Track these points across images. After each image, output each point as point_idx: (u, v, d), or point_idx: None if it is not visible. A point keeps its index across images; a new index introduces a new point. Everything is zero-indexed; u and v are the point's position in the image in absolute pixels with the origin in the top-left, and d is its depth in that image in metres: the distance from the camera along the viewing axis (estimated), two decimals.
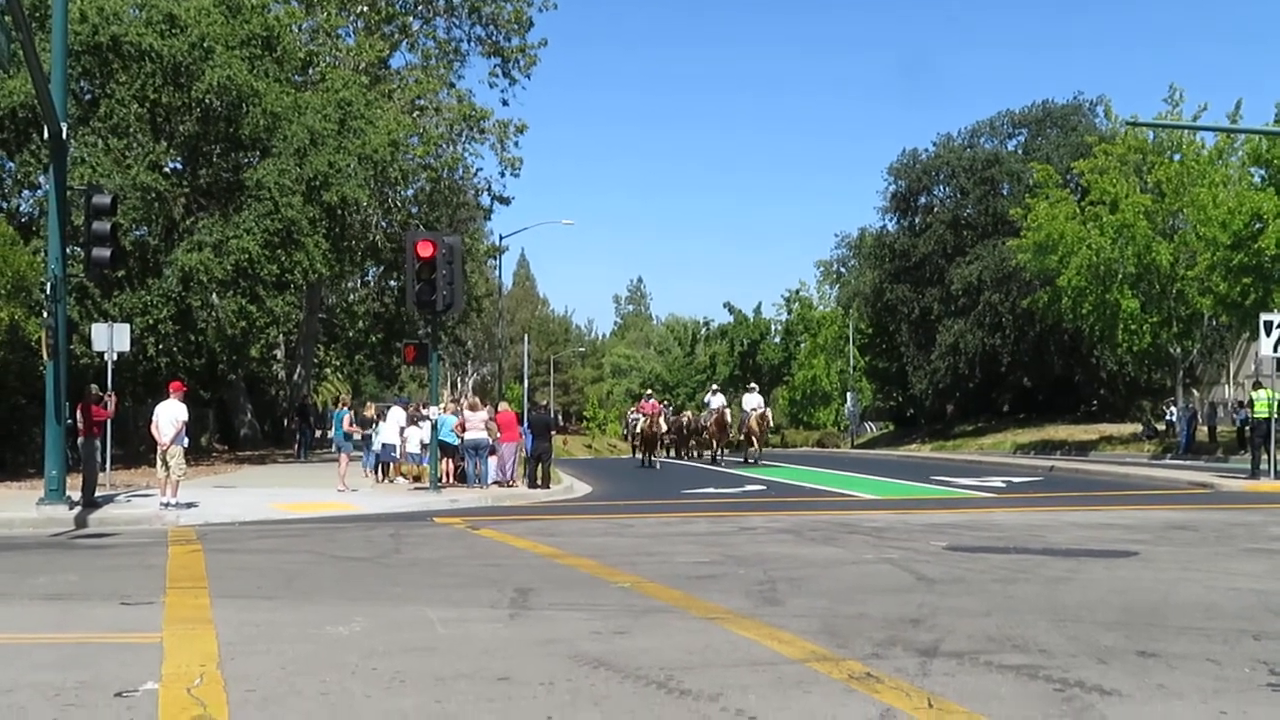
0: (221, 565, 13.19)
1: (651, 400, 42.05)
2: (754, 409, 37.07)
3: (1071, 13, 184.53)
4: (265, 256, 32.44)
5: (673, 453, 43.05)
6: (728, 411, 38.57)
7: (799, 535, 15.85)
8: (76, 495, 19.76)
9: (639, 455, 40.14)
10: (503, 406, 28.01)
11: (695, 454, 42.63)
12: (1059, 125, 63.35)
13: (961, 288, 60.06)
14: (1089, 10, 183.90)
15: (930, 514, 19.40)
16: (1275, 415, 25.98)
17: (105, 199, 20.15)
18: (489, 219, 58.51)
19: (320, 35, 42.78)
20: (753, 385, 42.71)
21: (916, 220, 67.13)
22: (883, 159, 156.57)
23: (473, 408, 26.28)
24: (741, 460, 37.67)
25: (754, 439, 37.18)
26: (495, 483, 25.40)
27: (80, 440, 20.71)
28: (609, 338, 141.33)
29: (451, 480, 25.68)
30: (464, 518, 19.24)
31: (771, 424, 40.00)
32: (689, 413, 45.86)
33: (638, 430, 40.28)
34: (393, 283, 51.96)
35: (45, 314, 19.62)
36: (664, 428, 39.11)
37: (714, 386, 44.41)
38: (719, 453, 38.68)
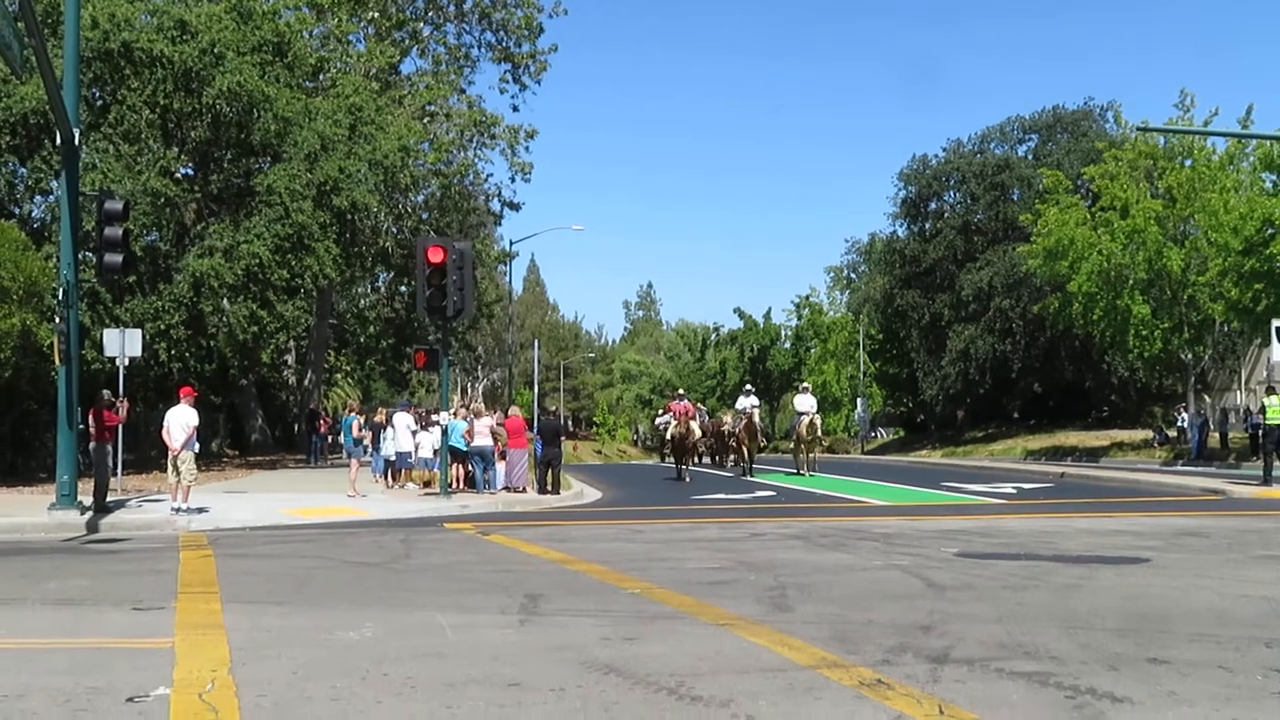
0: (233, 570, 13.22)
1: (683, 400, 37.47)
2: (805, 412, 32.69)
3: (1082, 18, 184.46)
4: (276, 262, 32.52)
5: (708, 460, 39.35)
6: (757, 414, 34.10)
7: (809, 541, 15.83)
8: (88, 500, 19.81)
9: (668, 461, 36.13)
10: (513, 412, 28.01)
11: (728, 461, 38.01)
12: (1069, 131, 63.28)
13: (972, 293, 60.00)
14: (1099, 15, 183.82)
15: (940, 520, 19.36)
16: None
17: (117, 205, 20.22)
18: (499, 225, 58.84)
19: (331, 41, 42.89)
20: (806, 385, 37.98)
21: (927, 226, 67.10)
22: (893, 165, 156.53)
23: (478, 414, 26.30)
24: (801, 472, 32.40)
25: (804, 446, 32.81)
26: (505, 488, 25.42)
27: (92, 445, 20.79)
28: (619, 343, 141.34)
29: (462, 485, 25.71)
30: (474, 523, 19.26)
31: (820, 432, 34.76)
32: (729, 415, 39.71)
33: (668, 435, 36.09)
34: (403, 288, 52.13)
35: (57, 319, 19.69)
36: (697, 433, 34.45)
37: (747, 386, 39.98)
38: (746, 462, 33.56)
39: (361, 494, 24.42)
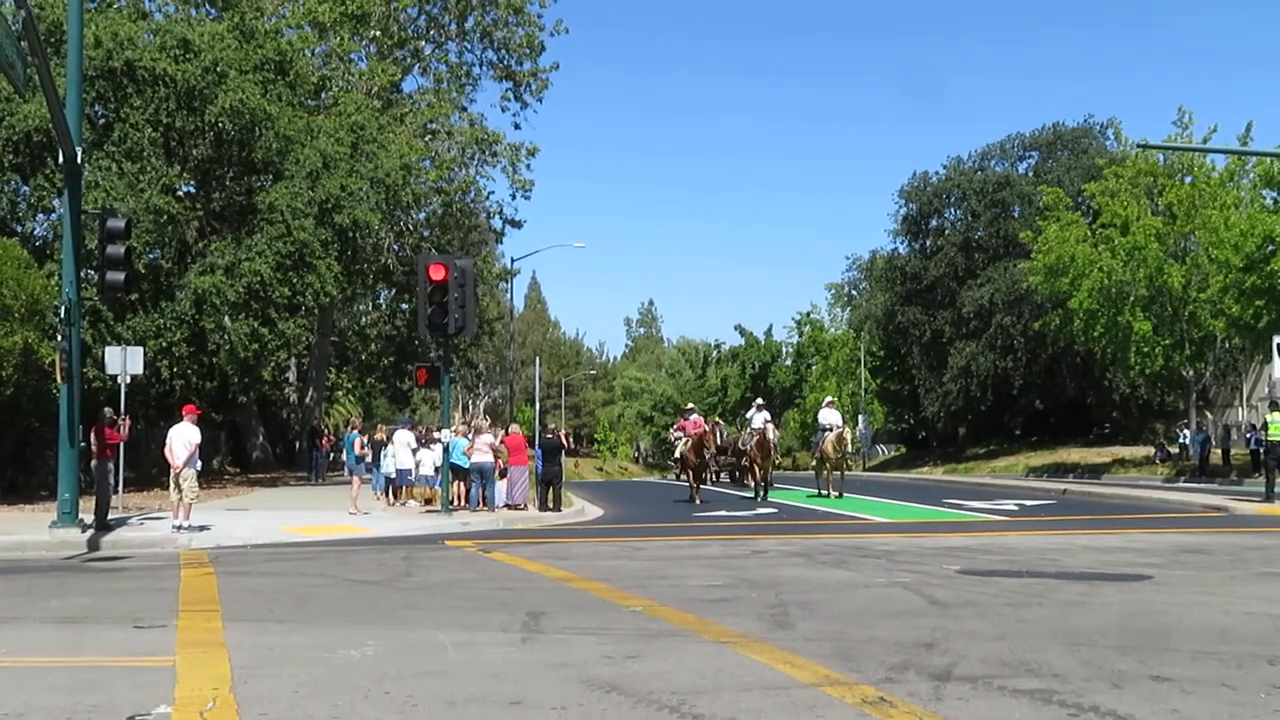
0: (234, 588, 13.20)
1: (694, 416, 34.53)
2: (829, 427, 30.27)
3: (1082, 35, 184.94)
4: (277, 279, 32.58)
5: (724, 476, 37.42)
6: (770, 429, 31.57)
7: (811, 559, 15.81)
8: (89, 518, 19.77)
9: (682, 480, 34.17)
10: (513, 429, 27.97)
11: (743, 480, 35.71)
12: (1069, 148, 63.46)
13: (973, 310, 60.06)
14: (1099, 33, 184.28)
15: (942, 537, 19.33)
16: None
17: (119, 223, 20.24)
18: (500, 242, 58.84)
19: (333, 60, 43.02)
20: (830, 399, 35.79)
21: (927, 243, 67.24)
22: (893, 182, 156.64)
23: (478, 430, 26.26)
24: (822, 492, 30.46)
25: (830, 464, 30.17)
26: (506, 506, 25.38)
27: (93, 463, 20.77)
28: (620, 360, 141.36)
29: (463, 503, 25.67)
30: (475, 541, 19.24)
31: (850, 447, 31.80)
32: (746, 433, 36.53)
33: (676, 455, 34.01)
34: (404, 306, 52.15)
35: (59, 337, 19.66)
36: (710, 450, 31.75)
37: (758, 401, 37.32)
38: (763, 483, 30.71)
39: (363, 511, 24.39)
